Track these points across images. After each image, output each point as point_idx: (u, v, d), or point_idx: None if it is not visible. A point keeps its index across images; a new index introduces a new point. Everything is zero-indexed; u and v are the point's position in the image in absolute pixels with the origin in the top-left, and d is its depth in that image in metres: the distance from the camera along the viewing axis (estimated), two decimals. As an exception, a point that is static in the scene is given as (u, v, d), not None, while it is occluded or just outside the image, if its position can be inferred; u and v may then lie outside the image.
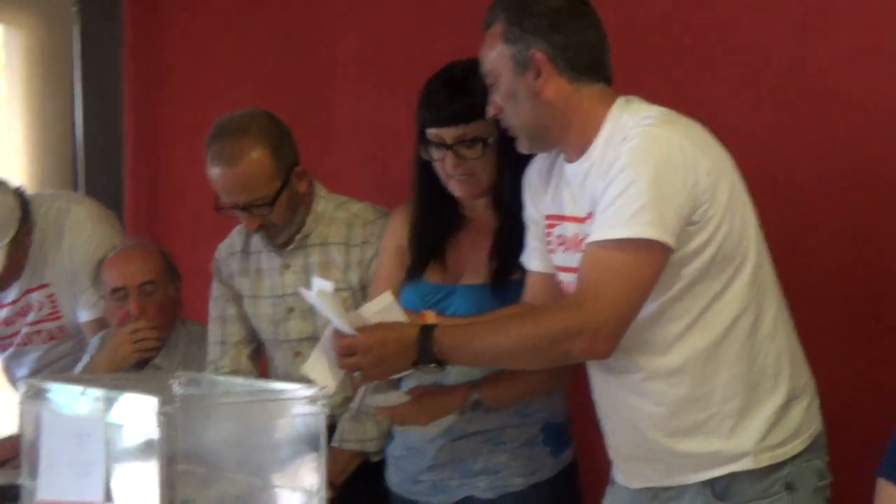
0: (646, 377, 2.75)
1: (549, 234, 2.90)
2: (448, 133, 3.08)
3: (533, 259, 3.00)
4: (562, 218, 2.84)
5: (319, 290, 2.78)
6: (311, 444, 2.68)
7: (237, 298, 3.70)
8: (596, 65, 2.79)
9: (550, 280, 2.93)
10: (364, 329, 2.75)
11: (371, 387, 2.94)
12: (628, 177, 2.59)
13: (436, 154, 3.12)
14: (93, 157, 5.42)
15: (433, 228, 3.26)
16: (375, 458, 3.45)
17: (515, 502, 3.21)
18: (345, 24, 4.58)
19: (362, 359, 2.73)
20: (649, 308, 2.68)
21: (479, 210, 3.22)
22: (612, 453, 2.93)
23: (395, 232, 3.36)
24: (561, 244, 2.85)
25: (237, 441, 2.83)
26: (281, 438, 2.76)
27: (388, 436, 3.38)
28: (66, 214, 4.13)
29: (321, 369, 2.84)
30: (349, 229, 3.55)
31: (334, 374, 2.83)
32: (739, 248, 2.72)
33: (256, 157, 3.39)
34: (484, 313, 3.01)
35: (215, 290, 3.74)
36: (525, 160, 3.02)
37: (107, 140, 5.43)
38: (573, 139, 2.77)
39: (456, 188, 3.14)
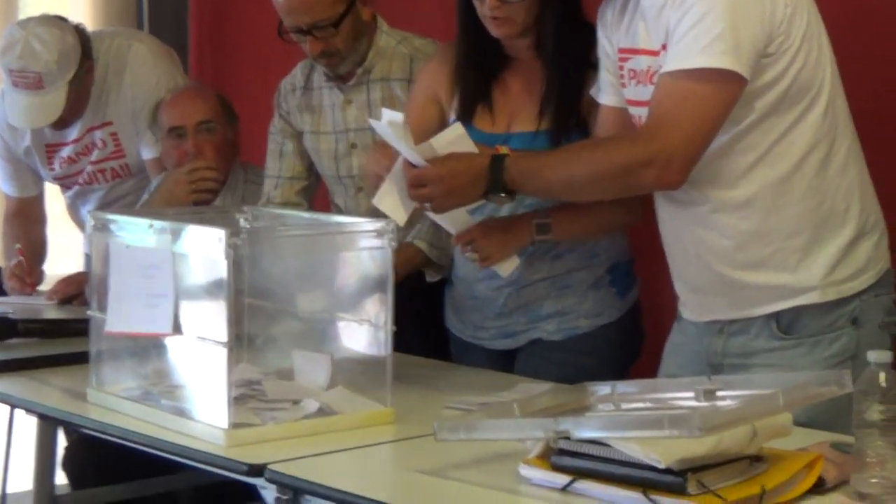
0: (714, 209, 2.73)
1: (621, 69, 2.85)
2: None
3: (605, 93, 2.95)
4: (635, 51, 2.79)
5: (390, 121, 2.75)
6: (378, 277, 2.70)
7: (296, 134, 3.68)
8: None
9: (622, 114, 2.88)
10: (435, 160, 2.73)
11: None
12: (703, 6, 2.55)
13: None
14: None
15: (477, 71, 3.20)
16: (430, 278, 3.47)
17: (583, 343, 3.22)
18: None
19: (433, 189, 2.72)
20: (720, 140, 2.64)
21: (524, 52, 3.16)
22: (679, 286, 2.93)
23: (430, 74, 3.31)
24: (633, 77, 2.81)
25: (304, 275, 2.85)
26: (348, 272, 2.78)
27: (451, 261, 3.39)
28: (127, 51, 4.11)
29: (392, 201, 2.82)
30: (411, 64, 3.51)
31: (405, 206, 2.81)
32: (814, 82, 2.67)
33: None
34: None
35: (275, 124, 3.73)
36: (571, 4, 3.00)
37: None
38: None
39: (493, 28, 3.06)
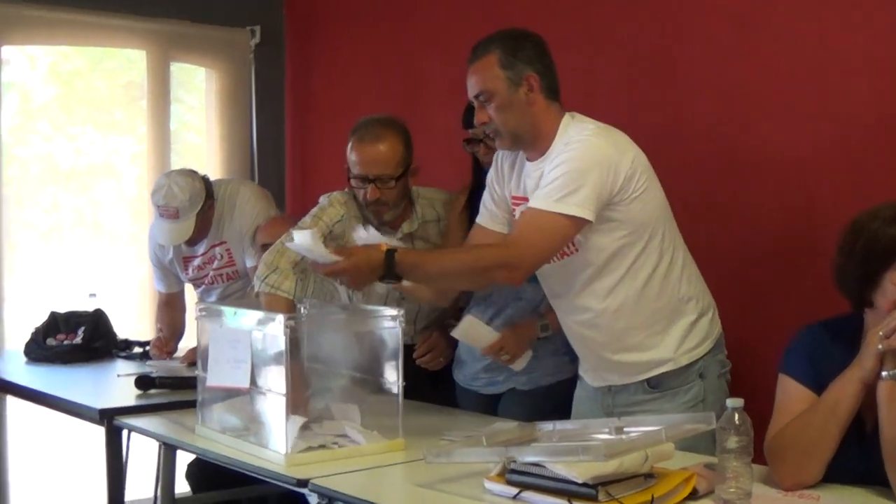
0: (595, 315, 2.69)
1: (514, 210, 2.76)
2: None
3: (481, 217, 2.86)
4: (525, 200, 2.70)
5: (304, 238, 2.54)
6: (392, 347, 2.64)
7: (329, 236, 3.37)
8: (558, 88, 2.68)
9: (485, 231, 2.81)
10: (344, 255, 2.52)
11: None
12: (564, 168, 2.52)
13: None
14: (263, 157, 5.36)
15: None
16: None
17: (544, 392, 3.13)
18: (431, 60, 4.49)
19: (346, 276, 2.52)
20: (593, 267, 2.62)
21: None
22: (580, 365, 2.89)
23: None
24: None
25: (343, 346, 2.79)
26: (370, 345, 2.71)
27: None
28: (237, 193, 4.08)
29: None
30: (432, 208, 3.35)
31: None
32: (651, 220, 2.64)
33: (393, 143, 3.16)
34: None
35: (330, 213, 3.37)
36: None
37: (273, 146, 5.39)
38: (540, 143, 2.66)
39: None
